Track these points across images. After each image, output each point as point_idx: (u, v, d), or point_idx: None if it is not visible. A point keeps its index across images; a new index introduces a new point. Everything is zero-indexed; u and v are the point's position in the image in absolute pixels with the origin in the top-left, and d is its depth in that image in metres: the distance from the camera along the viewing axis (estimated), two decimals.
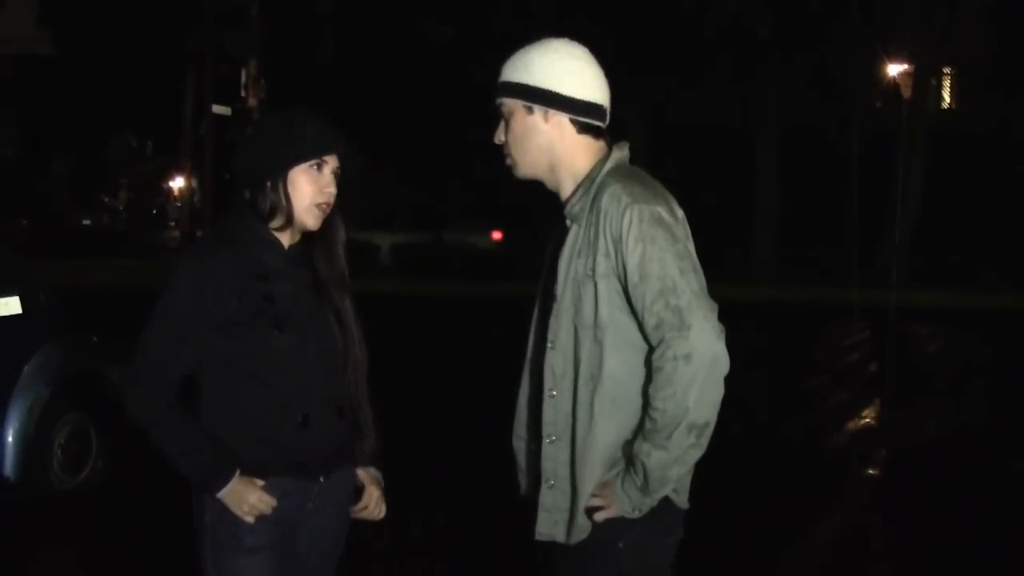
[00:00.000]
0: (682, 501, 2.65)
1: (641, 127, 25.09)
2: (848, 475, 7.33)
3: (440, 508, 6.21)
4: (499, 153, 2.73)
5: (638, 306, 2.52)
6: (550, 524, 2.64)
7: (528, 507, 2.77)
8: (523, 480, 2.84)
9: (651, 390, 2.51)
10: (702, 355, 2.47)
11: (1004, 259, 25.02)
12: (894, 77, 27.94)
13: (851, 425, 9.06)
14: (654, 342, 2.52)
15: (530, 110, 2.64)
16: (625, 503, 2.56)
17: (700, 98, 27.50)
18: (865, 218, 25.31)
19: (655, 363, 2.51)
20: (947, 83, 32.24)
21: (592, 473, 2.59)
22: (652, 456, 2.50)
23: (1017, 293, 19.91)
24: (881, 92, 29.18)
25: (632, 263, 2.50)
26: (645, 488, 2.53)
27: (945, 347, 14.64)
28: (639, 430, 2.56)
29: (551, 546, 2.67)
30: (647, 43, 23.61)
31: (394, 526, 3.53)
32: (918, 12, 23.22)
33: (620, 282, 2.54)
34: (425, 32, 26.20)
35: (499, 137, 2.70)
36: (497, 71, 2.70)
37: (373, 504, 2.94)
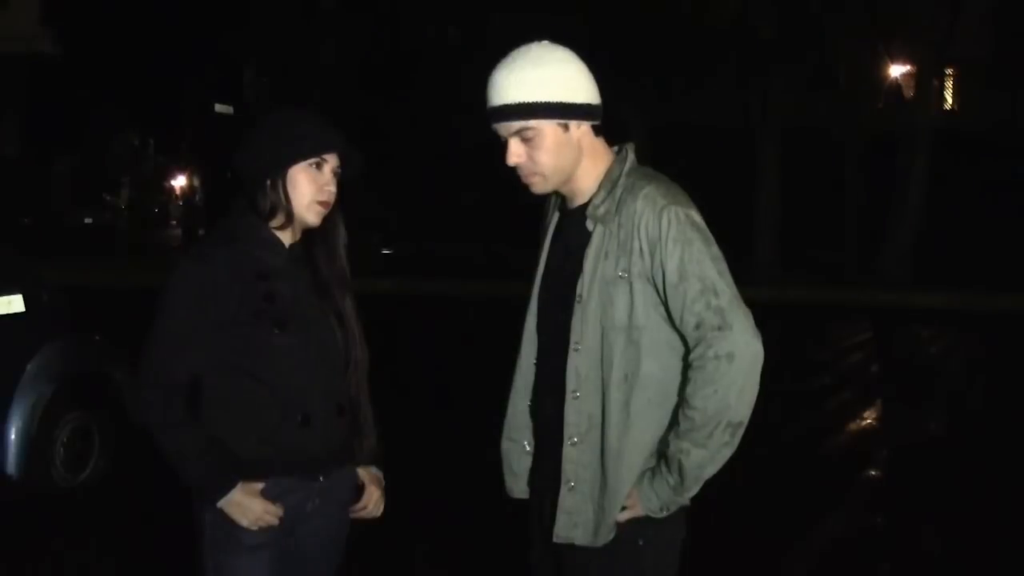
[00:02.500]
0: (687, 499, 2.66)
1: (642, 128, 25.07)
2: (849, 476, 7.33)
3: (441, 507, 6.21)
4: (513, 173, 2.64)
5: (676, 306, 2.53)
6: (569, 527, 2.60)
7: (530, 509, 2.77)
8: (513, 481, 2.83)
9: (689, 389, 2.52)
10: (744, 354, 2.49)
11: (1006, 260, 24.99)
12: (896, 78, 27.92)
13: (852, 426, 9.06)
14: (693, 342, 2.53)
15: (566, 127, 2.59)
16: (654, 502, 2.56)
17: (701, 99, 27.49)
18: (867, 219, 25.29)
19: (695, 362, 2.51)
20: (949, 84, 32.20)
21: (629, 474, 2.57)
22: (692, 455, 2.51)
23: (1019, 294, 19.89)
24: (883, 93, 29.16)
25: (671, 264, 2.51)
26: (679, 487, 2.54)
27: (947, 348, 14.63)
28: (670, 428, 2.56)
29: (563, 547, 2.64)
30: (648, 43, 23.59)
31: (395, 525, 3.54)
32: (920, 13, 23.17)
33: (653, 284, 2.54)
34: (427, 32, 26.20)
35: (518, 158, 2.61)
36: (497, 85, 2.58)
37: (373, 504, 2.94)
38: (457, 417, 8.74)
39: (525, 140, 2.59)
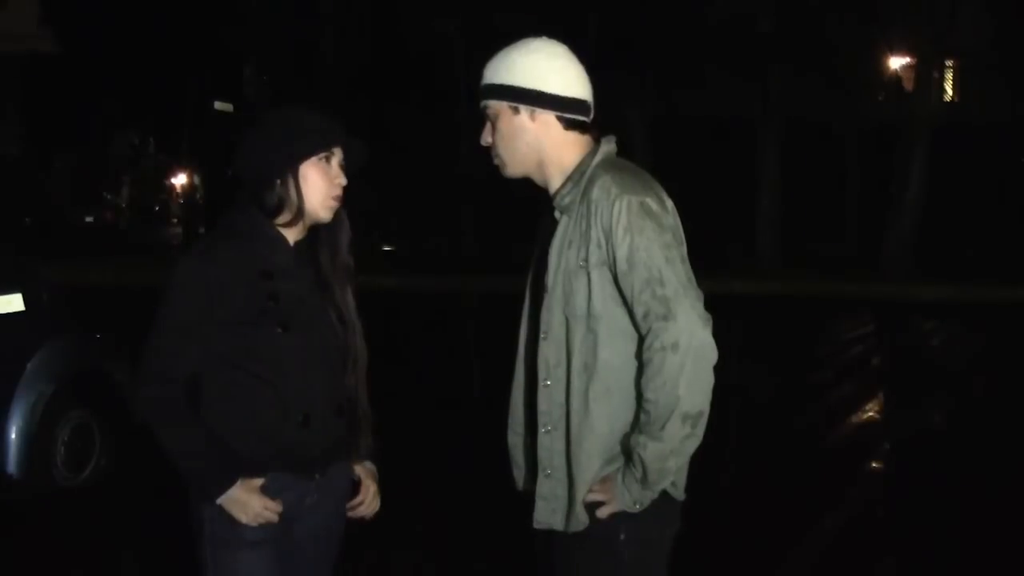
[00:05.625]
0: (679, 493, 2.66)
1: (643, 121, 25.06)
2: (852, 469, 7.33)
3: (442, 502, 6.22)
4: (488, 154, 2.75)
5: (627, 296, 2.55)
6: (548, 512, 2.66)
7: (526, 501, 2.78)
8: (519, 475, 2.85)
9: (643, 381, 2.53)
10: (688, 343, 2.49)
11: (1008, 252, 24.99)
12: (897, 70, 27.91)
13: (854, 419, 9.05)
14: (643, 332, 2.54)
15: (516, 110, 2.66)
16: (626, 497, 2.57)
17: (702, 92, 27.49)
18: (868, 212, 25.30)
19: (645, 354, 2.53)
20: (950, 76, 32.19)
21: (588, 462, 2.60)
22: (648, 448, 2.52)
23: (1021, 286, 19.88)
24: (884, 85, 29.14)
25: (621, 253, 2.53)
26: (645, 481, 2.54)
27: (948, 340, 14.63)
28: (635, 422, 2.57)
29: (551, 537, 2.69)
30: (649, 36, 23.58)
31: (392, 520, 3.53)
32: (920, 4, 23.15)
33: (611, 272, 2.56)
34: (427, 29, 26.19)
35: (486, 139, 2.73)
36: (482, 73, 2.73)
37: (369, 499, 2.95)
38: (456, 412, 8.74)
39: (491, 121, 2.70)
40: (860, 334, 14.72)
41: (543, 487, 2.66)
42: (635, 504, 2.57)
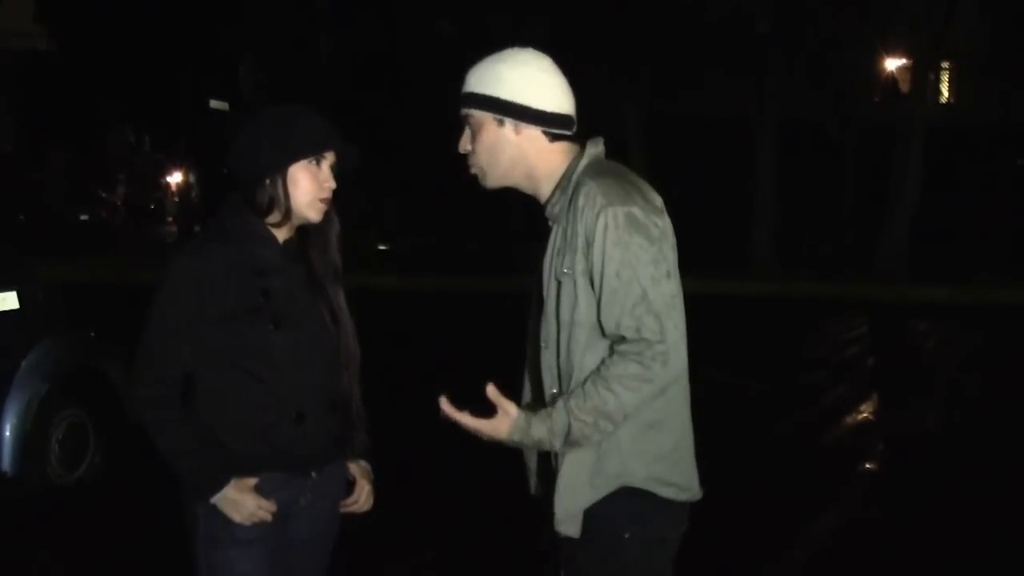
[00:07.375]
0: (689, 494, 2.65)
1: (638, 121, 25.06)
2: (846, 470, 7.34)
3: (434, 502, 6.22)
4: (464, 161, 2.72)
5: (613, 310, 2.51)
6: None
7: (540, 506, 2.77)
8: (533, 480, 2.84)
9: (607, 368, 2.49)
10: (661, 376, 2.48)
11: (1003, 254, 25.03)
12: (892, 71, 27.94)
13: (849, 420, 9.06)
14: (628, 336, 2.51)
15: (501, 123, 2.64)
16: (516, 435, 2.54)
17: (698, 92, 27.49)
18: (864, 213, 25.33)
19: (625, 354, 2.49)
20: (945, 77, 32.21)
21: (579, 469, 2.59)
22: (574, 413, 2.50)
23: (1015, 288, 19.91)
24: (879, 87, 29.16)
25: (610, 268, 2.50)
26: (551, 431, 2.51)
27: (943, 342, 14.64)
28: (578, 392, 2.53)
29: (556, 538, 2.67)
30: (645, 36, 23.58)
31: (387, 520, 3.53)
32: (916, 6, 23.17)
33: (595, 281, 2.54)
34: (425, 29, 26.19)
35: (464, 147, 2.70)
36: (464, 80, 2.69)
37: (363, 498, 2.96)
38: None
39: (471, 129, 2.67)
40: (855, 335, 14.74)
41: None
42: (511, 436, 2.55)
